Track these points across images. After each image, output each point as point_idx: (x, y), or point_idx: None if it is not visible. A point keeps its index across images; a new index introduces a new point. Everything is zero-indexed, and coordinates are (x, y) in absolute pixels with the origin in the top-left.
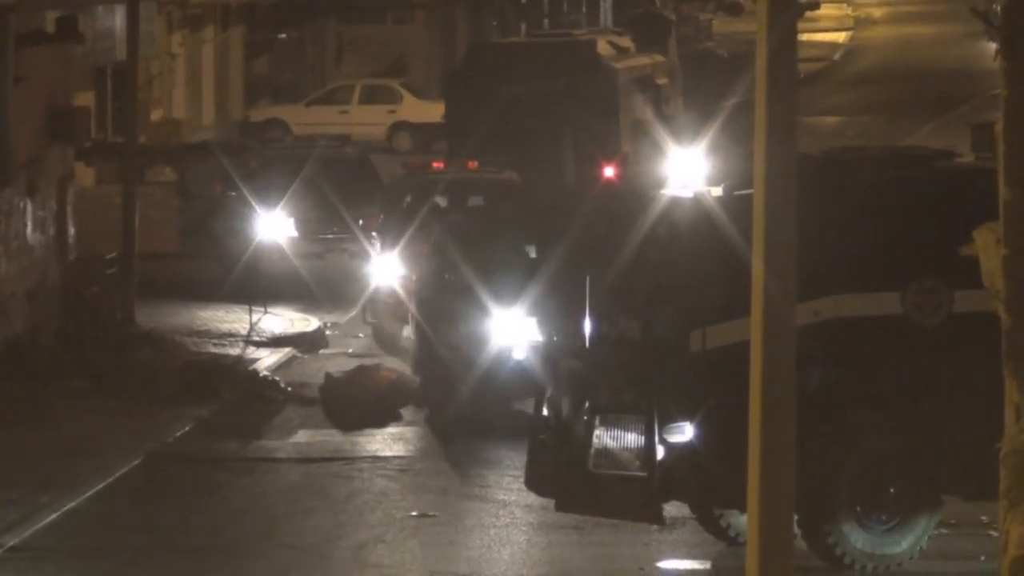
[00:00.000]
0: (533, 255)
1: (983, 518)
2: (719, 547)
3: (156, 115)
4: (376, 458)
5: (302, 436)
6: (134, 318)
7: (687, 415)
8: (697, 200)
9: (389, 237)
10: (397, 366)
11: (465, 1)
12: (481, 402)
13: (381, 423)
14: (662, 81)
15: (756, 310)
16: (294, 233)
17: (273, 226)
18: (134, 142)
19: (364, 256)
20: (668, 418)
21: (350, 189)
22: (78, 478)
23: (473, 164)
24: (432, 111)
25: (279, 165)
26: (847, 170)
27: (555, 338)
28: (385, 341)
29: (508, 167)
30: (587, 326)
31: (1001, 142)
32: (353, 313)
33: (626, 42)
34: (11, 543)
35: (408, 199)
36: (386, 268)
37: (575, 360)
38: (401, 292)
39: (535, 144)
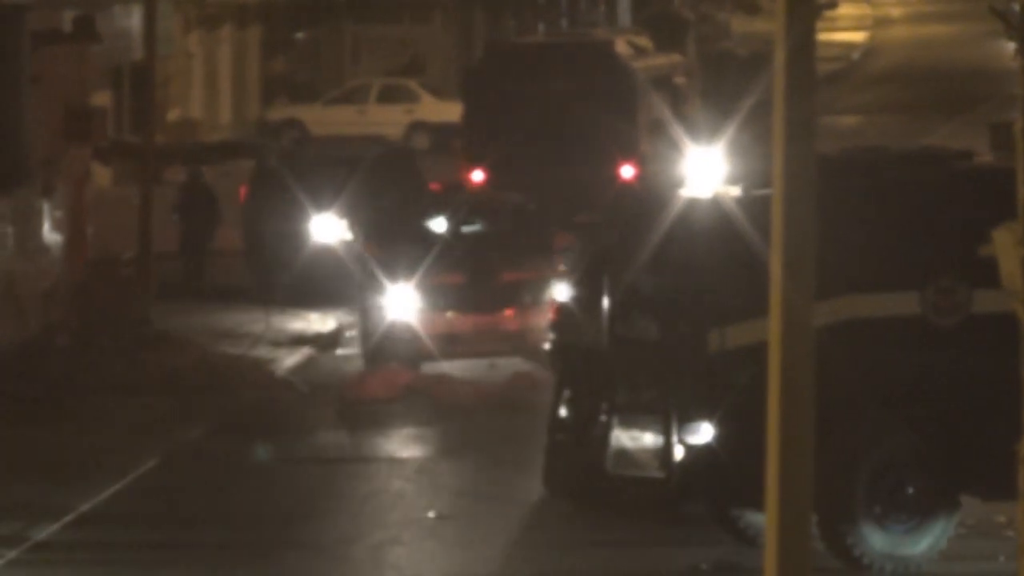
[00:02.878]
0: None
1: (1000, 519)
2: (737, 548)
3: (173, 115)
4: (393, 459)
5: (319, 437)
6: (151, 318)
7: (705, 415)
8: (715, 200)
9: (402, 265)
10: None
11: (483, 0)
12: None
13: (399, 423)
14: (680, 81)
15: (774, 310)
16: (348, 235)
17: (323, 227)
18: (152, 142)
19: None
20: (686, 418)
21: (396, 191)
22: (94, 478)
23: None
24: (450, 111)
25: (320, 166)
26: (866, 170)
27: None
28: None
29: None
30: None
31: (1020, 141)
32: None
33: (644, 41)
34: (27, 543)
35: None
36: (403, 301)
37: (593, 360)
38: (420, 327)
39: (553, 144)
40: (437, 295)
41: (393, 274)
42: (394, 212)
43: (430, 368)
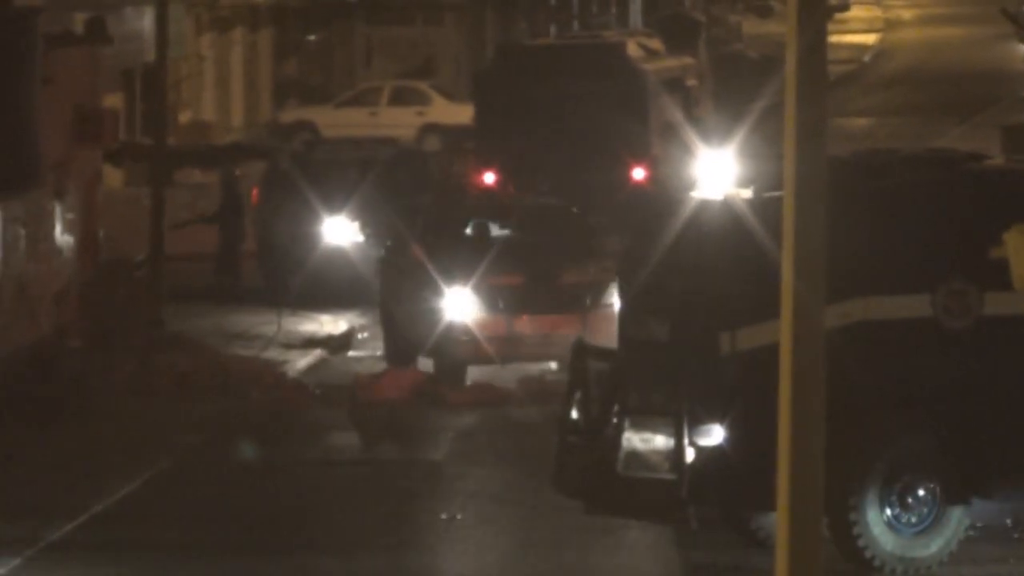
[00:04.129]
0: None
1: (1007, 521)
2: (748, 550)
3: (185, 117)
4: (405, 461)
5: (331, 438)
6: (163, 320)
7: (717, 418)
8: (727, 202)
9: (460, 268)
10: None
11: (495, 2)
12: None
13: (410, 425)
14: (692, 83)
15: (785, 313)
16: (359, 238)
17: (335, 229)
18: (163, 144)
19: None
20: (698, 421)
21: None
22: (107, 479)
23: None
24: (462, 113)
25: (331, 168)
26: (877, 172)
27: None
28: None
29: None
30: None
31: None
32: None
33: (656, 44)
34: (41, 543)
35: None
36: (462, 303)
37: (604, 361)
38: (477, 329)
39: (564, 146)
40: (495, 296)
41: (447, 275)
42: (436, 213)
43: (480, 371)
